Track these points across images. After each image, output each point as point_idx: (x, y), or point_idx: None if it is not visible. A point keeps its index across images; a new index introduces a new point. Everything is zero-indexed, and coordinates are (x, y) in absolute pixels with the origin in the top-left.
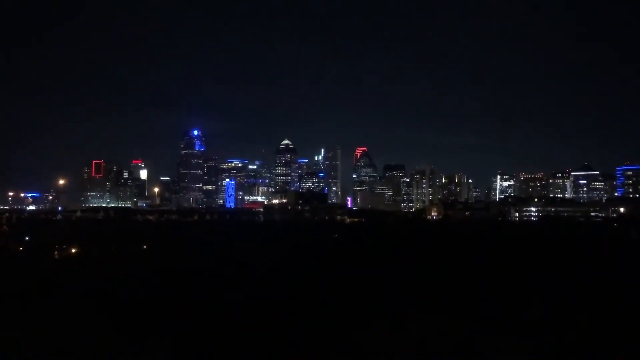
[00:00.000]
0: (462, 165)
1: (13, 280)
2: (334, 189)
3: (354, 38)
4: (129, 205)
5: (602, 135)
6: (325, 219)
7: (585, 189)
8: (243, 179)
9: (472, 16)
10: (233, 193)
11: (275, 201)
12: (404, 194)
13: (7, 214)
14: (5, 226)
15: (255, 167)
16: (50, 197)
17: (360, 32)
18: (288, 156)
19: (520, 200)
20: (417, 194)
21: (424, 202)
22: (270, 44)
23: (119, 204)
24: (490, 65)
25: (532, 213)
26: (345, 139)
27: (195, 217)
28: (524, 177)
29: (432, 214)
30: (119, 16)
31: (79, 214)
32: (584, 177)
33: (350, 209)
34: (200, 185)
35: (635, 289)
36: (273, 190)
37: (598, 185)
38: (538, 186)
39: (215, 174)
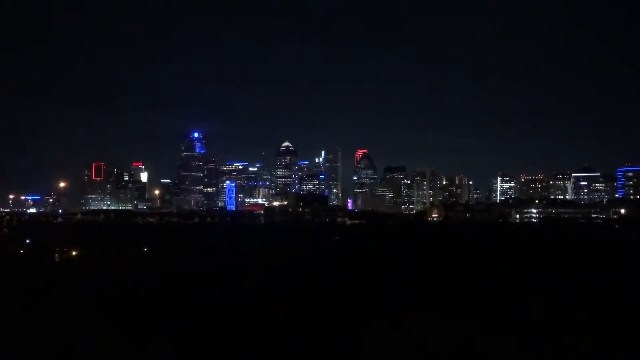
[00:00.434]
0: (462, 166)
1: (14, 283)
2: (334, 191)
3: (354, 39)
4: (129, 207)
5: (602, 136)
6: (325, 221)
7: (586, 190)
8: (243, 181)
9: (473, 16)
10: (233, 195)
11: (276, 203)
12: (405, 196)
13: (7, 217)
14: (5, 229)
15: (255, 169)
16: (51, 200)
17: (360, 33)
18: (288, 158)
19: (521, 201)
20: (418, 195)
21: (424, 203)
22: (270, 45)
23: (119, 206)
24: (491, 66)
25: (533, 215)
26: (346, 141)
27: (196, 220)
28: (524, 179)
29: (433, 215)
30: (120, 18)
31: (79, 216)
32: (584, 178)
33: (351, 211)
34: (201, 187)
35: (635, 290)
36: (273, 192)
37: (599, 186)
38: (539, 188)
39: (216, 176)
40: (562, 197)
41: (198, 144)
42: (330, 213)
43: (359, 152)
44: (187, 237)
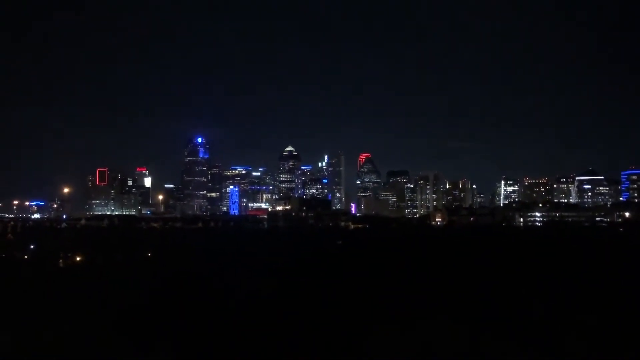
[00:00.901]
0: (466, 170)
1: (18, 288)
2: (337, 195)
3: (358, 42)
4: (133, 213)
5: (606, 139)
6: (329, 226)
7: (589, 193)
8: (247, 186)
9: (476, 19)
10: (237, 200)
11: (279, 208)
12: (408, 200)
13: (12, 222)
14: (10, 234)
15: (259, 173)
16: (55, 206)
17: (363, 36)
18: (292, 163)
19: (524, 205)
20: (421, 199)
21: (428, 208)
22: (273, 49)
23: (123, 211)
24: (493, 69)
25: (537, 218)
26: (349, 145)
27: (200, 225)
28: (528, 182)
29: (437, 219)
30: (123, 21)
31: (83, 222)
32: (588, 181)
33: (354, 215)
34: (204, 192)
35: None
36: (277, 197)
37: (603, 190)
38: (542, 191)
39: (219, 181)
40: (565, 200)
41: (201, 149)
42: (333, 217)
43: (362, 156)
44: (191, 242)
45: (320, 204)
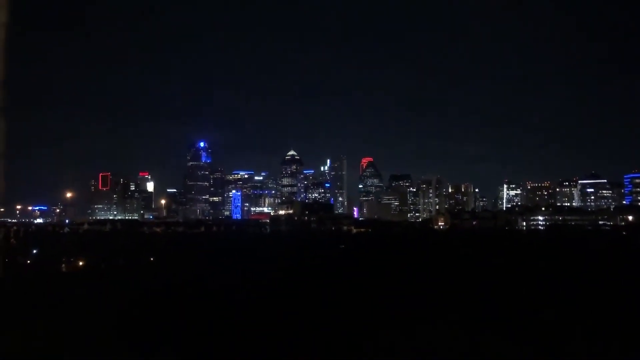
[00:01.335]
0: (468, 174)
1: (21, 293)
2: (340, 199)
3: (360, 47)
4: (136, 217)
5: (609, 142)
6: (331, 230)
7: (592, 197)
8: (249, 190)
9: (477, 23)
10: (239, 204)
11: (282, 212)
12: (411, 204)
13: (14, 227)
14: (13, 239)
15: (261, 178)
16: (58, 210)
17: (366, 42)
18: (294, 167)
19: (527, 209)
20: (424, 203)
21: (430, 211)
22: (276, 55)
23: (126, 216)
24: (496, 73)
25: (540, 222)
26: (351, 149)
27: (202, 229)
28: (530, 186)
29: (439, 223)
30: (128, 28)
31: (86, 226)
32: (591, 185)
33: (357, 219)
34: (207, 196)
35: None
36: (279, 201)
37: (606, 193)
38: (545, 195)
39: (222, 186)
40: (568, 204)
41: (204, 154)
42: (336, 221)
43: (364, 160)
44: (194, 246)
45: (323, 208)
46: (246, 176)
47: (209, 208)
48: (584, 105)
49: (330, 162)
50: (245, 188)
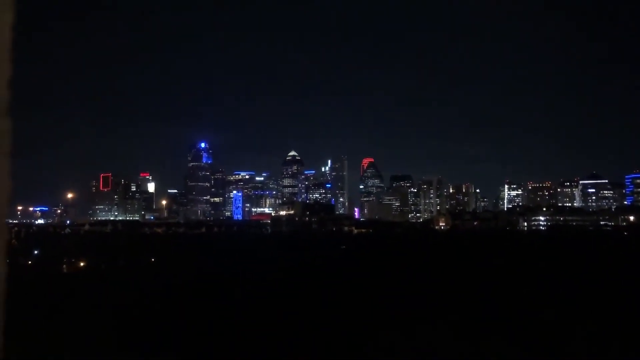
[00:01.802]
0: (469, 175)
1: (22, 294)
2: (341, 199)
3: (361, 49)
4: (136, 218)
5: (610, 143)
6: (332, 230)
7: (594, 197)
8: (250, 191)
9: (479, 25)
10: (240, 205)
11: (283, 213)
12: (412, 205)
13: (15, 228)
14: (14, 240)
15: (262, 178)
16: (59, 211)
17: (367, 42)
18: (295, 167)
19: (528, 209)
20: (425, 204)
21: (431, 212)
22: (276, 55)
23: (127, 217)
24: (497, 74)
25: (541, 222)
26: (352, 150)
27: (203, 230)
28: (532, 186)
29: (440, 224)
30: (129, 29)
31: (87, 227)
32: (592, 185)
33: (358, 219)
34: (208, 197)
35: None
36: (280, 201)
37: (607, 193)
38: (546, 195)
39: (223, 186)
40: (570, 204)
41: (205, 154)
42: (337, 222)
43: (365, 161)
44: (194, 247)
45: (324, 209)
46: (247, 177)
47: (210, 209)
48: (584, 105)
49: (331, 162)
50: (246, 189)
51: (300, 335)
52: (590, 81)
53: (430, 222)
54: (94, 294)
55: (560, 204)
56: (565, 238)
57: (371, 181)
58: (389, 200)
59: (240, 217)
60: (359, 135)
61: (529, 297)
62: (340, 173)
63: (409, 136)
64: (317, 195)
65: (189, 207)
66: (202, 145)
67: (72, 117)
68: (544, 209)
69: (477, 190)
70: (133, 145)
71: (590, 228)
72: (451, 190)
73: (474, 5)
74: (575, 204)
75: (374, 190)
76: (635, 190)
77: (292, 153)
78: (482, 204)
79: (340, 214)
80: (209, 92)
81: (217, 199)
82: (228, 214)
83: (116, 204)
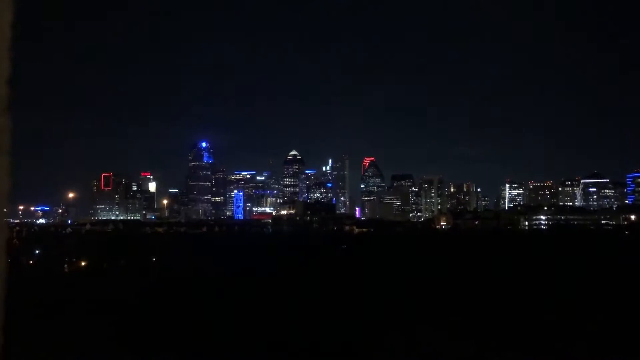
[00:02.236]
0: (470, 174)
1: (24, 294)
2: (342, 199)
3: (362, 49)
4: (138, 217)
5: (611, 142)
6: (333, 230)
7: (595, 196)
8: (251, 190)
9: (479, 24)
10: (241, 204)
11: (284, 212)
12: (413, 204)
13: (17, 228)
14: (15, 240)
15: (263, 178)
16: (60, 211)
17: (368, 42)
18: (296, 167)
19: (529, 208)
20: (426, 203)
21: (432, 211)
22: (277, 55)
23: (128, 216)
24: (498, 74)
25: (542, 221)
26: (353, 149)
27: (204, 229)
28: (533, 186)
29: (441, 223)
30: (130, 30)
31: (88, 226)
32: (593, 184)
33: (359, 219)
34: (209, 197)
35: None
36: (281, 201)
37: (608, 192)
38: (547, 194)
39: (224, 186)
40: (571, 203)
41: (206, 154)
42: (338, 221)
43: (366, 160)
44: (195, 246)
45: (325, 208)
46: (248, 176)
47: (211, 208)
48: (584, 105)
49: (332, 162)
50: (247, 188)
51: (300, 334)
52: (593, 81)
53: (431, 222)
54: (95, 293)
55: (561, 203)
56: (567, 237)
57: (372, 180)
58: (390, 199)
59: (241, 216)
60: (360, 134)
61: (529, 297)
62: (341, 172)
63: (410, 136)
64: (318, 195)
65: (190, 206)
66: (203, 144)
67: (73, 117)
68: (545, 208)
69: (478, 190)
70: (134, 145)
71: (592, 227)
72: (452, 190)
73: (474, 5)
74: (576, 203)
75: (375, 190)
76: (637, 189)
77: (293, 152)
78: (483, 203)
79: (341, 214)
80: (210, 92)
81: (218, 199)
82: (229, 213)
83: (117, 204)
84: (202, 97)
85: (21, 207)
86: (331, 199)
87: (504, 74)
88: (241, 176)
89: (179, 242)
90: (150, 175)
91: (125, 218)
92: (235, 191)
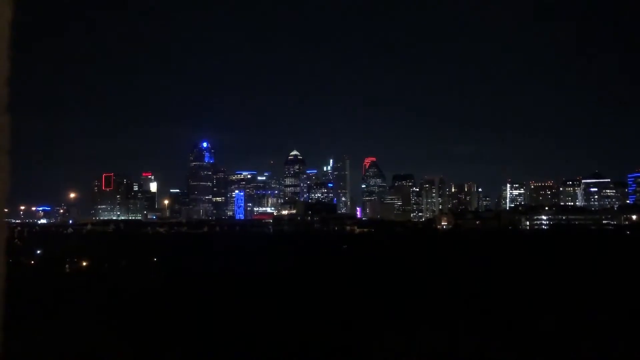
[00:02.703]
0: (471, 174)
1: (24, 295)
2: (343, 199)
3: (363, 49)
4: (139, 217)
5: (612, 142)
6: (334, 230)
7: (596, 196)
8: (252, 191)
9: (480, 24)
10: (242, 204)
11: (285, 212)
12: (414, 204)
13: (18, 228)
14: (17, 240)
15: (264, 178)
16: (61, 211)
17: (369, 43)
18: (297, 167)
19: (531, 208)
20: (427, 203)
21: (433, 211)
22: (278, 55)
23: (129, 216)
24: (499, 74)
25: (543, 221)
26: (354, 149)
27: (205, 229)
28: (534, 186)
29: (442, 223)
30: (132, 32)
31: (89, 227)
32: (594, 184)
33: (360, 219)
34: (210, 197)
35: None
36: (282, 201)
37: (609, 192)
38: (548, 194)
39: (225, 186)
40: (572, 203)
41: (207, 154)
42: (339, 221)
43: (367, 160)
44: (197, 246)
45: (326, 208)
46: (249, 176)
47: (212, 208)
48: (584, 105)
49: (333, 162)
50: (248, 188)
51: (300, 334)
52: (593, 81)
53: (432, 222)
54: (96, 293)
55: (562, 203)
56: (568, 237)
57: (373, 180)
58: (391, 199)
59: (242, 216)
60: (361, 134)
61: (530, 297)
62: (342, 172)
63: (411, 136)
64: (319, 195)
65: (191, 206)
66: (204, 145)
67: (74, 117)
68: (546, 208)
69: (479, 190)
70: (135, 145)
71: (593, 227)
72: (453, 190)
73: (474, 5)
74: (577, 203)
75: (376, 190)
76: (638, 189)
77: (294, 152)
78: (485, 203)
79: (342, 214)
80: (211, 92)
81: (219, 199)
82: (230, 213)
83: (118, 204)
84: (203, 97)
85: (22, 207)
86: (332, 199)
87: (504, 74)
88: (242, 176)
89: (180, 242)
90: (152, 176)
91: (126, 218)
92: (236, 191)
